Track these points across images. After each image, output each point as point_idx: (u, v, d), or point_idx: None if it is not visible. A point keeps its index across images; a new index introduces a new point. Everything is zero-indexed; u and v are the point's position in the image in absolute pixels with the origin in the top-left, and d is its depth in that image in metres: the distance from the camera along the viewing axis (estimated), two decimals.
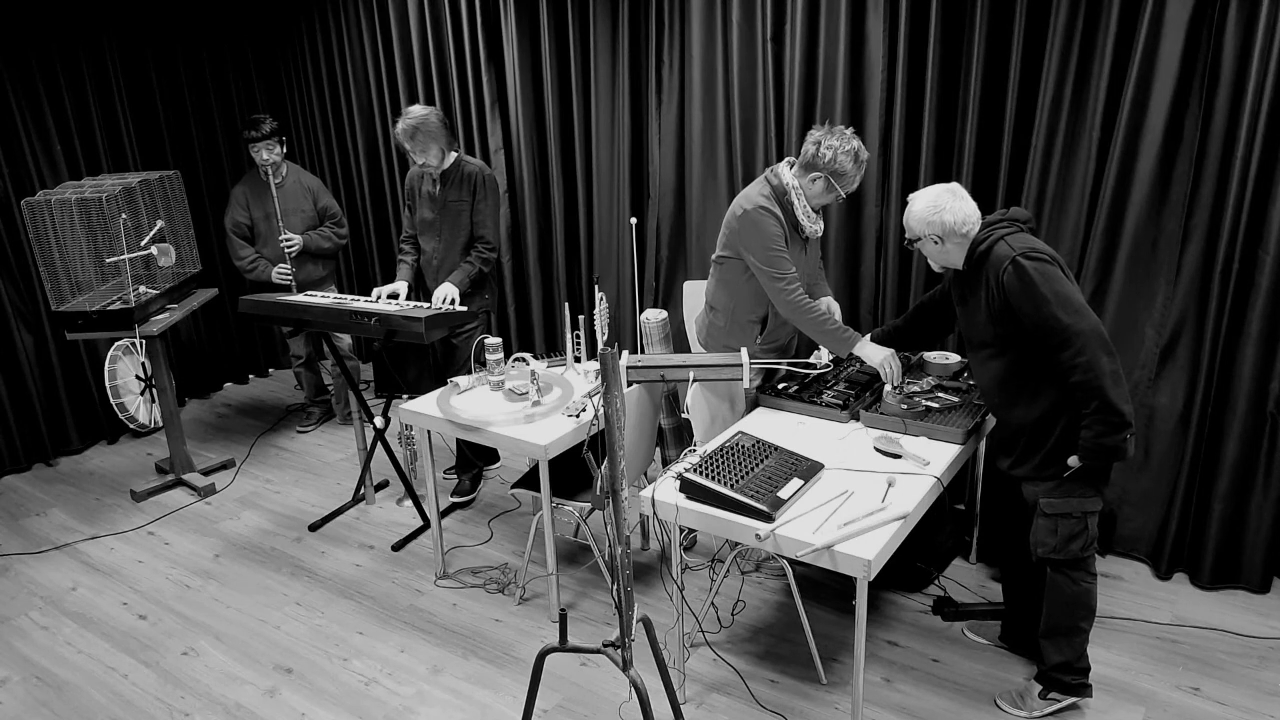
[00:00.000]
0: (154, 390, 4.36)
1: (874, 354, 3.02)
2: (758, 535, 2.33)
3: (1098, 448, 2.36)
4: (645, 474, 3.61)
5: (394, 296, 3.82)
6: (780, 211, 3.02)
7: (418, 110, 3.73)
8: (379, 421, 3.84)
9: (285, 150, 4.60)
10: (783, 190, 3.02)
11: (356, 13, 5.18)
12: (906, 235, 2.59)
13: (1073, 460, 2.43)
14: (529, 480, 3.35)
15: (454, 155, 3.88)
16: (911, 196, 2.56)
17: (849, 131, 2.97)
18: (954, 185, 2.53)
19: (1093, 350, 2.29)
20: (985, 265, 2.45)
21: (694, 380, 2.99)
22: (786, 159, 3.10)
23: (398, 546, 3.82)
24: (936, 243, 2.52)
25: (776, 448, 2.66)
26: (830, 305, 3.29)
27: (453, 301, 3.74)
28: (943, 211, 2.48)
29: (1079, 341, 2.30)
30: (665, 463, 3.72)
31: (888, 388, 3.02)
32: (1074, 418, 2.42)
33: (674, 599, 2.83)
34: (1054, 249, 3.32)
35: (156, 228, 4.24)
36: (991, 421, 3.02)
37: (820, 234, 3.17)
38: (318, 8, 5.37)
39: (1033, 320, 2.35)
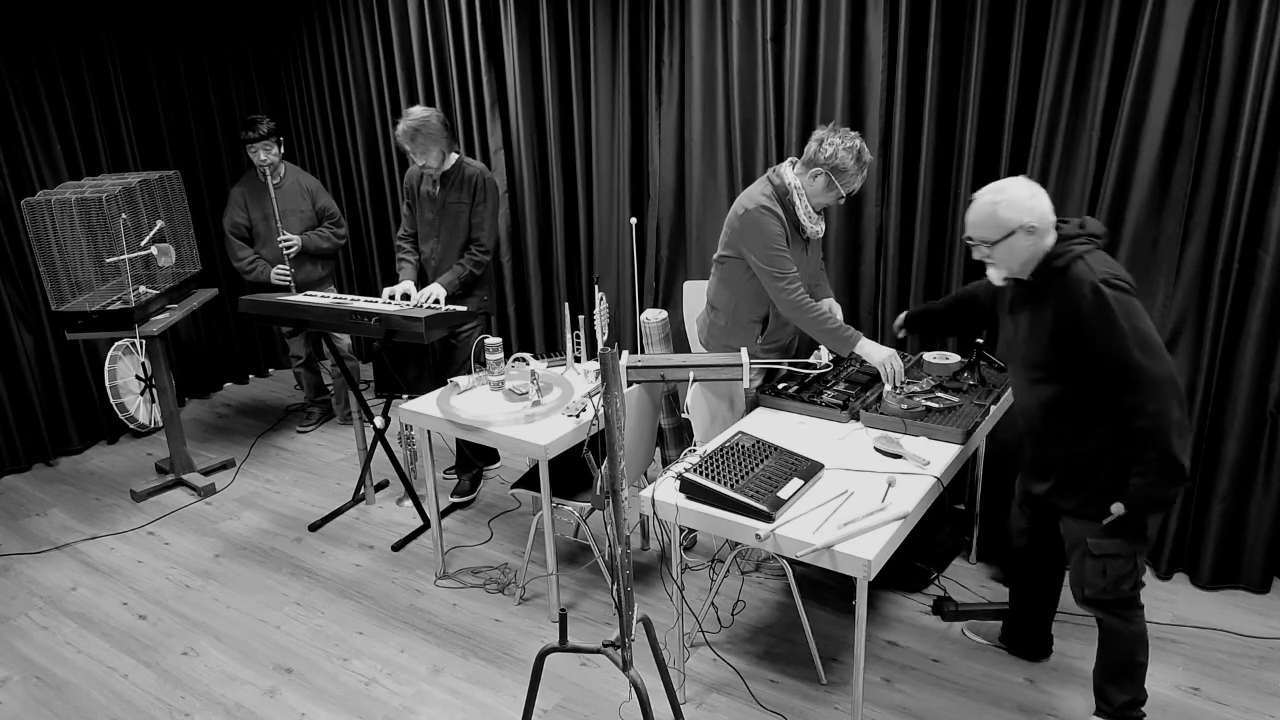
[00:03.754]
0: (154, 390, 4.36)
1: (876, 353, 3.02)
2: (758, 535, 2.33)
3: (1148, 498, 2.22)
4: (645, 474, 3.61)
5: (405, 297, 3.82)
6: (782, 211, 3.02)
7: (418, 112, 3.73)
8: (379, 421, 3.84)
9: (283, 151, 4.60)
10: (785, 190, 3.03)
11: (356, 13, 5.18)
12: (982, 235, 2.31)
13: (1117, 507, 2.29)
14: (529, 480, 3.35)
15: (454, 157, 3.88)
16: (992, 188, 2.30)
17: (853, 132, 2.98)
18: (1027, 178, 2.33)
19: (1165, 398, 2.12)
20: (1059, 282, 2.25)
21: (694, 380, 2.99)
22: (789, 159, 3.10)
23: (398, 546, 3.82)
24: (1029, 234, 2.26)
25: (776, 448, 2.66)
26: (832, 306, 3.28)
27: (436, 301, 3.73)
28: (1039, 197, 2.27)
29: (1151, 387, 2.12)
30: (665, 463, 3.72)
31: (888, 388, 3.02)
32: (1124, 459, 2.27)
33: (674, 599, 2.83)
34: None
35: (156, 228, 4.24)
36: (992, 421, 3.02)
37: (821, 234, 3.17)
38: (318, 8, 5.37)
39: (1104, 354, 2.17)
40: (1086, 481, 2.36)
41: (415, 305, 3.68)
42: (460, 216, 3.88)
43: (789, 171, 3.04)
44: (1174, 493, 2.22)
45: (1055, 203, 3.24)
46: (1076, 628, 3.05)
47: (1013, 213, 2.25)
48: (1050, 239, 2.29)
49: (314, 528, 4.01)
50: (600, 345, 3.28)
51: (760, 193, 3.04)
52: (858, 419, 2.95)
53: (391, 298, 3.81)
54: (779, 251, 3.00)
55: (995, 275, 2.37)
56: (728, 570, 3.46)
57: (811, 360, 3.18)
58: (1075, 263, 2.23)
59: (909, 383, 3.12)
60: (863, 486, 2.53)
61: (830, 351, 3.14)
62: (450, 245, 3.92)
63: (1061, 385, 2.31)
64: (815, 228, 3.10)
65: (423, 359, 4.31)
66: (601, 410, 2.02)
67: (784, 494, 2.44)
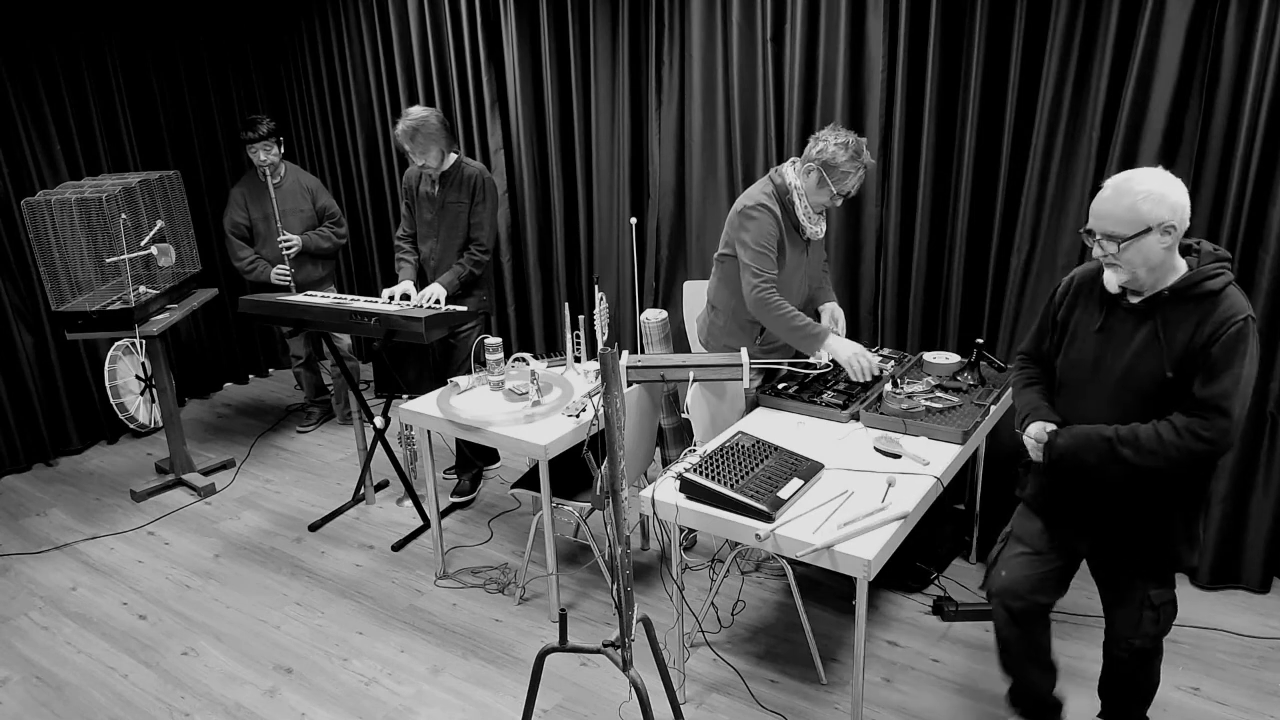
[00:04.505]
0: (154, 390, 4.36)
1: (842, 349, 2.99)
2: (758, 535, 2.33)
3: (1061, 447, 2.15)
4: (645, 474, 3.61)
5: (405, 297, 3.83)
6: (781, 211, 3.02)
7: (418, 111, 3.73)
8: (379, 421, 3.84)
9: (283, 151, 4.59)
10: (785, 189, 3.03)
11: (356, 13, 5.18)
12: (1115, 231, 1.99)
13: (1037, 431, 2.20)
14: (529, 480, 3.35)
15: (454, 157, 3.88)
16: (1130, 176, 1.99)
17: (852, 132, 2.97)
18: (1163, 169, 2.02)
19: (1205, 450, 1.97)
20: (1210, 304, 1.98)
21: (694, 380, 2.99)
22: (791, 159, 3.10)
23: (398, 546, 3.82)
24: (1166, 234, 1.96)
25: (776, 448, 2.66)
26: (835, 312, 3.26)
27: (437, 301, 3.73)
28: (1184, 194, 1.97)
29: (1217, 437, 1.96)
30: (665, 463, 3.72)
31: (856, 380, 2.99)
32: (1190, 499, 2.13)
33: (674, 599, 2.83)
34: (1054, 249, 3.35)
35: (156, 228, 4.24)
36: (992, 421, 3.01)
37: (821, 235, 3.17)
38: (318, 8, 5.37)
39: (1207, 386, 1.97)
40: (1165, 527, 2.15)
41: (415, 305, 3.68)
42: (459, 216, 3.88)
43: (789, 171, 3.04)
44: (1079, 458, 2.13)
45: (1055, 202, 3.28)
46: (1076, 628, 3.05)
47: (1155, 206, 1.95)
48: (1177, 256, 2.04)
49: (314, 528, 4.01)
50: (600, 345, 3.28)
51: (760, 191, 3.05)
52: (858, 419, 2.95)
53: (391, 298, 3.81)
54: (765, 251, 3.00)
55: (1114, 279, 2.08)
56: (728, 570, 3.46)
57: (811, 360, 3.18)
58: (1231, 288, 2.01)
59: (909, 382, 3.12)
60: (863, 486, 2.53)
61: (800, 350, 3.12)
62: (449, 245, 3.92)
63: (1158, 408, 2.06)
64: (814, 228, 3.10)
65: (423, 359, 4.31)
66: (601, 410, 2.02)
67: (784, 494, 2.44)
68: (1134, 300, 2.08)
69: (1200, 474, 2.11)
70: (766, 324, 3.06)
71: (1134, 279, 2.04)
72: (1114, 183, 2.00)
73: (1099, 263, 2.13)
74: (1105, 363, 2.13)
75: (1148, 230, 1.95)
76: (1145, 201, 1.94)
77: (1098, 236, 2.03)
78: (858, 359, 2.96)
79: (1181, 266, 2.04)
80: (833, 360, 3.04)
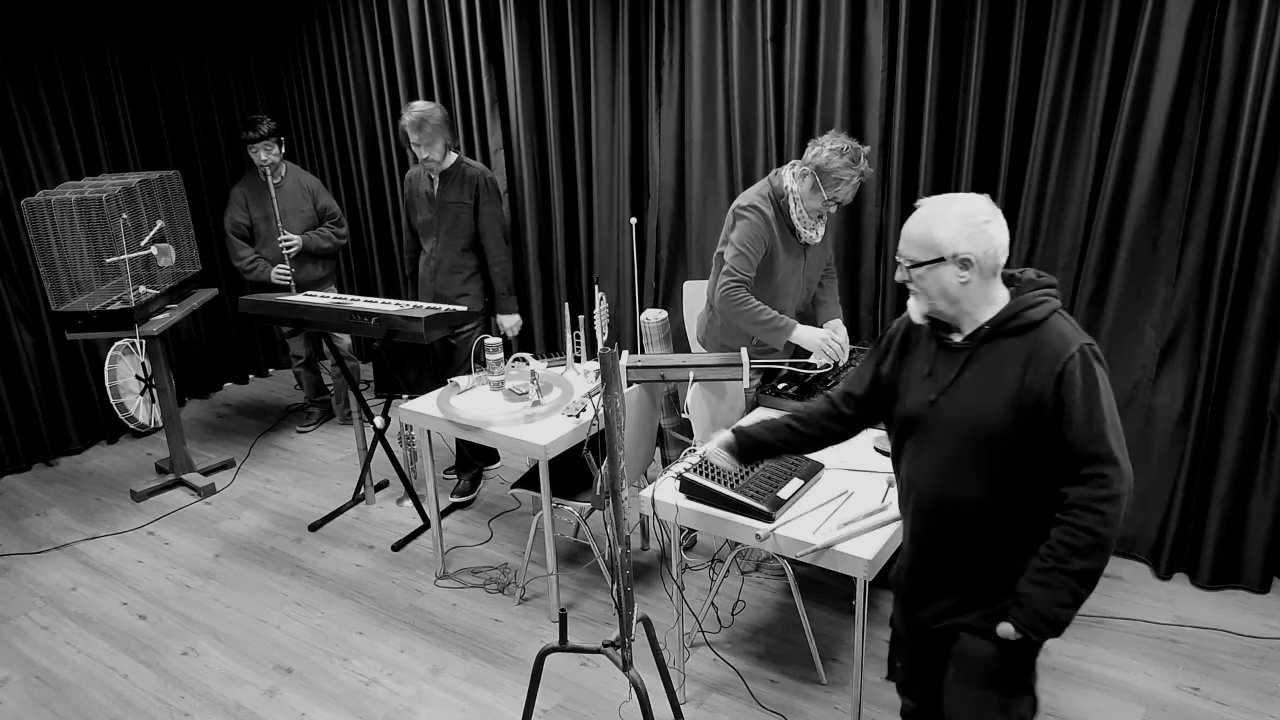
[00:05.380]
0: (154, 390, 4.36)
1: (812, 337, 3.00)
2: (758, 535, 2.33)
3: (1049, 617, 1.74)
4: (645, 474, 3.61)
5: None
6: (775, 213, 3.02)
7: (422, 104, 3.75)
8: (379, 421, 3.84)
9: (284, 150, 4.60)
10: (781, 193, 3.03)
11: (356, 13, 5.18)
12: (910, 255, 1.83)
13: (1005, 629, 1.80)
14: (529, 480, 3.35)
15: (454, 156, 3.88)
16: (940, 199, 1.83)
17: (852, 139, 2.94)
18: (989, 199, 1.83)
19: (1121, 507, 1.70)
20: (1033, 338, 1.77)
21: (694, 380, 2.99)
22: (791, 162, 3.09)
23: (398, 546, 3.82)
24: (963, 268, 1.77)
25: None
26: (837, 327, 3.24)
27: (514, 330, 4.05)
28: (991, 224, 1.77)
29: (1117, 486, 1.69)
30: (665, 463, 3.72)
31: (822, 362, 2.98)
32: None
33: (674, 599, 2.83)
34: (1054, 249, 3.35)
35: (156, 228, 4.24)
36: None
37: (818, 240, 3.15)
38: (318, 8, 5.36)
39: (1075, 439, 1.71)
40: (1005, 588, 1.83)
41: (503, 340, 3.85)
42: (461, 215, 3.88)
43: (789, 175, 3.04)
44: (1072, 613, 1.75)
45: (1055, 202, 3.28)
46: (1076, 627, 3.05)
47: (953, 235, 1.77)
48: (994, 288, 1.82)
49: (314, 528, 4.01)
50: (600, 345, 3.28)
51: (757, 193, 3.05)
52: None
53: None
54: (746, 253, 3.00)
55: (914, 308, 1.88)
56: (728, 570, 3.46)
57: (811, 360, 3.18)
58: (1055, 317, 1.78)
59: None
60: (863, 486, 2.53)
61: (770, 345, 3.11)
62: (450, 244, 3.93)
63: (1004, 464, 1.79)
64: (810, 233, 3.09)
65: (423, 359, 4.31)
66: (601, 410, 2.03)
67: (784, 494, 2.44)
68: (956, 339, 1.86)
69: (1062, 522, 1.74)
70: (734, 320, 3.06)
71: (935, 310, 1.85)
72: (925, 203, 1.84)
73: None
74: (939, 413, 1.85)
75: (941, 259, 1.78)
76: (943, 229, 1.78)
77: (900, 260, 1.86)
78: (828, 342, 2.97)
79: (1002, 300, 1.82)
80: (834, 361, 3.04)
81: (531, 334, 5.11)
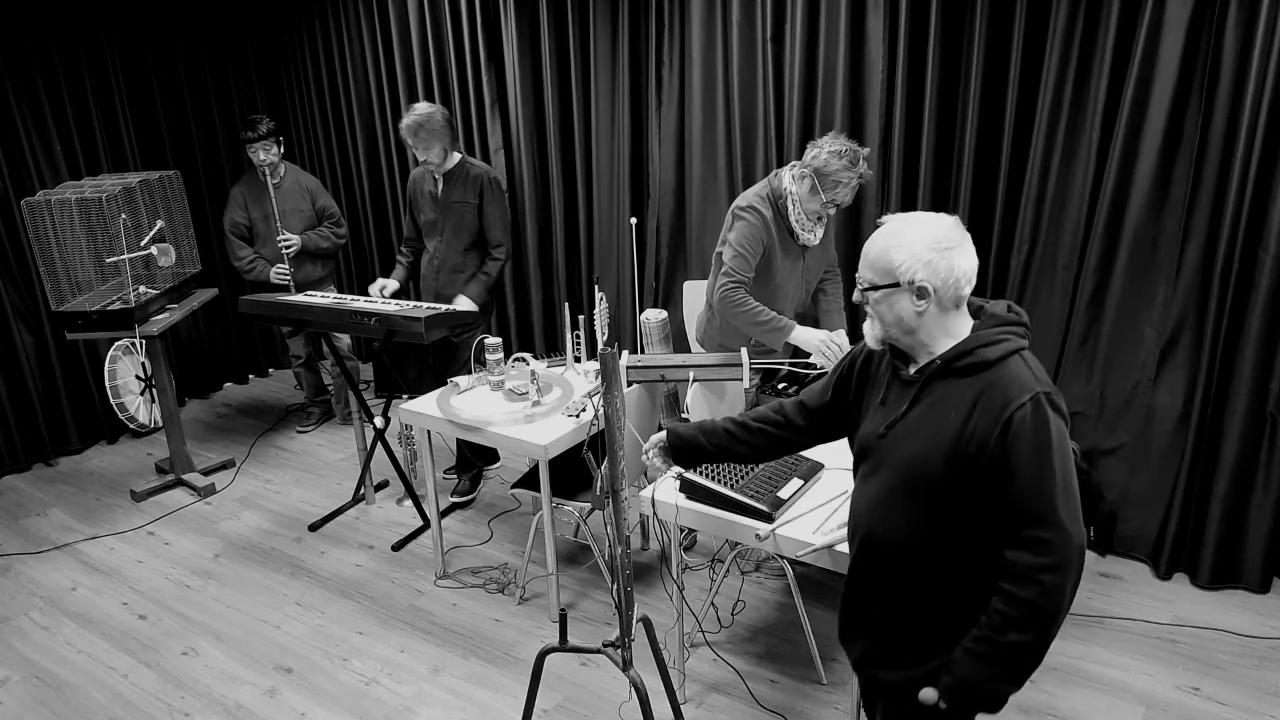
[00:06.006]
0: (154, 390, 4.36)
1: (811, 338, 2.99)
2: (758, 535, 2.33)
3: (978, 690, 1.61)
4: (645, 474, 3.61)
5: (394, 296, 3.87)
6: (774, 214, 3.02)
7: (423, 107, 3.74)
8: (379, 421, 3.84)
9: (283, 150, 4.60)
10: (780, 194, 3.03)
11: (356, 13, 5.18)
12: (866, 276, 1.69)
13: (928, 694, 1.68)
14: (529, 480, 3.35)
15: (457, 156, 3.88)
16: (901, 218, 1.68)
17: (851, 141, 2.93)
18: (959, 219, 1.67)
19: (1065, 577, 1.53)
20: (985, 378, 1.60)
21: (694, 380, 2.99)
22: (791, 163, 3.09)
23: (398, 546, 3.82)
24: (921, 298, 1.62)
25: None
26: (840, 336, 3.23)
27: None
28: (954, 251, 1.61)
29: (1061, 554, 1.53)
30: None
31: (821, 363, 2.97)
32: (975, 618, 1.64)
33: (674, 599, 2.83)
34: (1054, 249, 3.35)
35: (156, 228, 4.24)
36: None
37: (817, 242, 3.14)
38: (318, 8, 5.37)
39: (1019, 494, 1.55)
40: (932, 649, 1.70)
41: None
42: (465, 215, 3.89)
43: (788, 176, 3.04)
44: (1010, 690, 1.61)
45: (1055, 202, 3.27)
46: (1076, 627, 3.05)
47: (910, 261, 1.61)
48: (955, 320, 1.66)
49: (314, 528, 4.01)
50: (600, 345, 3.28)
51: (756, 193, 3.05)
52: None
53: (384, 290, 3.89)
54: (745, 254, 3.00)
55: (869, 332, 1.75)
56: (728, 570, 3.46)
57: (811, 360, 3.17)
58: (1013, 360, 1.61)
59: None
60: None
61: (769, 345, 3.10)
62: (454, 244, 3.93)
63: (937, 511, 1.64)
64: (808, 235, 3.09)
65: (423, 359, 4.32)
66: (601, 410, 2.02)
67: (784, 494, 2.44)
68: (910, 371, 1.72)
69: (1002, 589, 1.59)
70: (733, 321, 3.06)
71: (890, 337, 1.71)
72: (886, 220, 1.70)
73: None
74: (885, 446, 1.73)
75: (896, 285, 1.63)
76: (900, 253, 1.62)
77: (859, 280, 1.72)
78: (827, 345, 2.96)
79: (964, 333, 1.67)
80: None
81: (531, 334, 5.12)
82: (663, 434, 2.15)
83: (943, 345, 1.67)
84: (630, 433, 3.15)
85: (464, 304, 3.90)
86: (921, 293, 1.62)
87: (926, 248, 1.60)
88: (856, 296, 1.73)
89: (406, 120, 3.73)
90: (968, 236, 1.64)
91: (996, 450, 1.55)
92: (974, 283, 1.65)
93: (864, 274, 1.69)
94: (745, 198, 3.05)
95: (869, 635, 1.81)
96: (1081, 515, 1.56)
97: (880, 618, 1.77)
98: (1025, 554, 1.55)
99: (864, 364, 1.87)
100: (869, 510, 1.75)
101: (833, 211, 3.05)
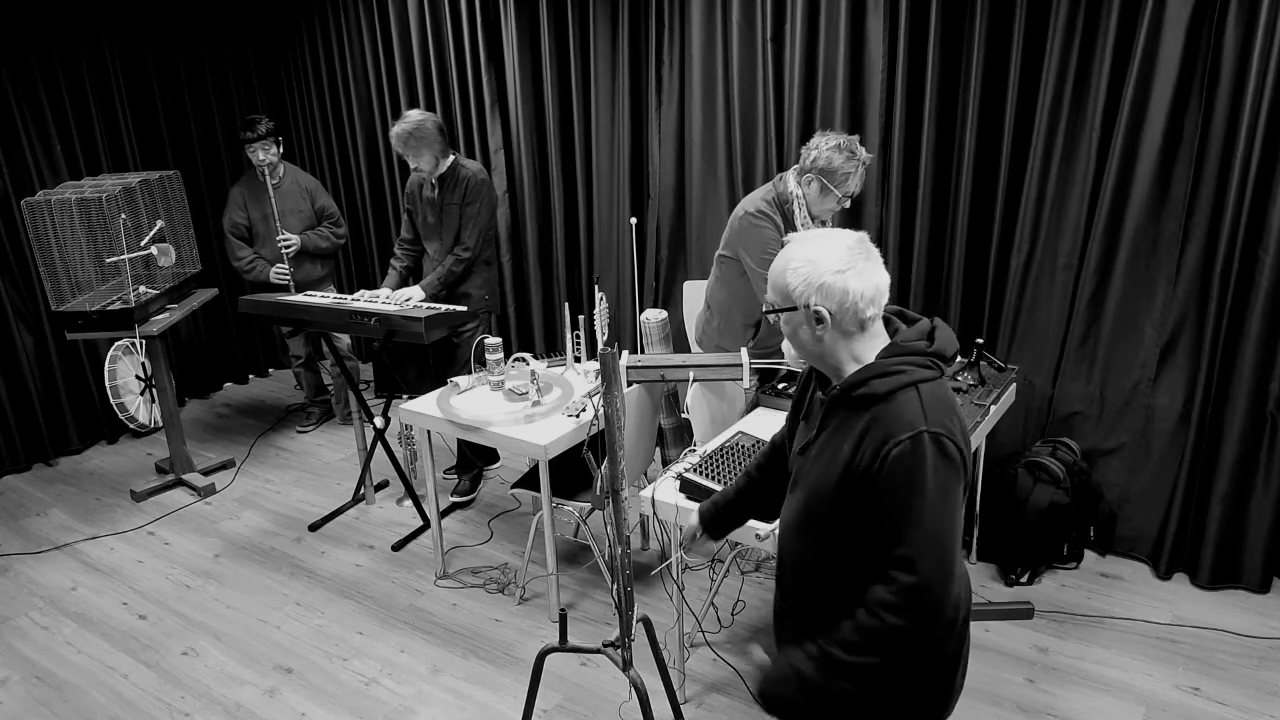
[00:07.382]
0: (154, 390, 4.36)
1: None
2: (758, 535, 2.33)
3: (790, 674, 1.61)
4: (645, 474, 3.61)
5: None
6: (780, 218, 3.02)
7: (414, 115, 3.74)
8: (379, 421, 3.85)
9: (282, 150, 4.60)
10: (785, 198, 3.02)
11: (356, 13, 5.18)
12: (769, 298, 1.63)
13: (757, 651, 1.73)
14: (529, 480, 3.35)
15: (450, 159, 3.88)
16: (806, 236, 1.61)
17: (842, 132, 2.94)
18: (864, 236, 1.60)
19: (918, 622, 1.50)
20: (876, 409, 1.53)
21: (694, 380, 2.99)
22: (793, 167, 3.08)
23: (398, 546, 3.82)
24: (819, 322, 1.57)
25: None
26: None
27: (411, 302, 3.74)
28: (848, 274, 1.53)
29: (910, 601, 1.49)
30: (665, 463, 3.72)
31: None
32: None
33: (674, 599, 2.83)
34: (1054, 249, 3.35)
35: (156, 228, 4.24)
36: (992, 421, 3.01)
37: None
38: (318, 8, 5.37)
39: (886, 528, 1.51)
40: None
41: (395, 305, 3.69)
42: (456, 218, 3.88)
43: (792, 180, 3.03)
44: (816, 699, 1.57)
45: (1055, 202, 3.27)
46: (1076, 627, 3.05)
47: (802, 284, 1.56)
48: (863, 343, 1.59)
49: (314, 528, 4.01)
50: (600, 345, 3.28)
51: (760, 198, 3.05)
52: None
53: (379, 299, 3.87)
54: (771, 258, 2.99)
55: (788, 352, 1.69)
56: (728, 570, 3.46)
57: None
58: (905, 391, 1.53)
59: None
60: None
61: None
62: (450, 247, 3.93)
63: (831, 536, 1.62)
64: None
65: (423, 359, 4.32)
66: (601, 410, 2.02)
67: None
68: (821, 394, 1.66)
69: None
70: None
71: (802, 356, 1.68)
72: (789, 239, 1.63)
73: None
74: (802, 465, 1.69)
75: (794, 309, 1.58)
76: (793, 275, 1.56)
77: (765, 299, 1.65)
78: None
79: (870, 357, 1.60)
80: None
81: (531, 334, 5.12)
82: (693, 520, 2.10)
83: (850, 368, 1.61)
84: (630, 433, 3.15)
85: (415, 293, 3.77)
86: (818, 317, 1.56)
87: (820, 271, 1.54)
88: (772, 316, 1.65)
89: (397, 129, 3.72)
90: (873, 254, 1.57)
91: (874, 485, 1.50)
92: (880, 302, 1.57)
93: (768, 295, 1.64)
94: (754, 203, 3.03)
95: (787, 648, 1.78)
96: (953, 568, 1.50)
97: (794, 632, 1.74)
98: (880, 587, 1.52)
99: (806, 380, 1.82)
100: (784, 527, 1.75)
101: (847, 204, 3.02)
